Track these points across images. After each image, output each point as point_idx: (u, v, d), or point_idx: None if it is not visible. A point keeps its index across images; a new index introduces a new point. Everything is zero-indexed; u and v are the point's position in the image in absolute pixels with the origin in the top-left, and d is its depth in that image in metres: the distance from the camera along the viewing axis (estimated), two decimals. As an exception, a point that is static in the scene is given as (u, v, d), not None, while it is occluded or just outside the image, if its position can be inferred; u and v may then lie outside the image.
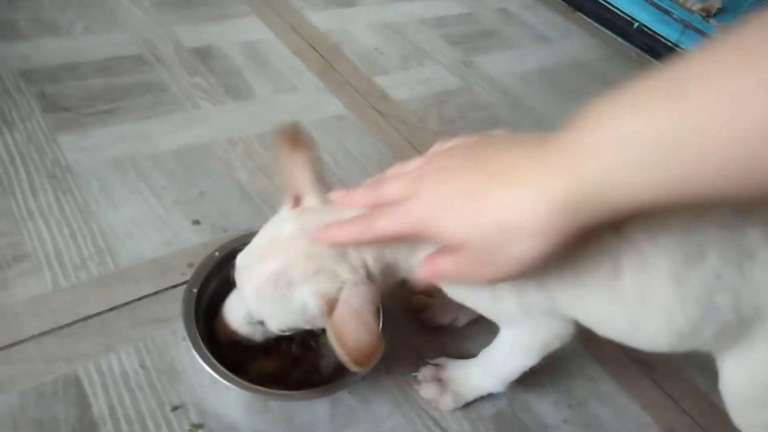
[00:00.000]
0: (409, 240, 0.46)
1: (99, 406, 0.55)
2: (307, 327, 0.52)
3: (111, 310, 0.63)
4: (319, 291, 0.47)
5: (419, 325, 0.71)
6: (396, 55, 1.19)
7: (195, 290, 0.59)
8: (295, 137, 0.54)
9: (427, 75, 1.15)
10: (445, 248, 0.43)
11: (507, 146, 0.41)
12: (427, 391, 0.64)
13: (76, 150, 0.80)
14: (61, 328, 0.60)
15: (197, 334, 0.56)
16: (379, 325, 0.51)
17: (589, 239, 0.43)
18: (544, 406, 0.66)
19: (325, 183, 0.53)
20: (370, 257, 0.49)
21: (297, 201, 0.53)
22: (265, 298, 0.50)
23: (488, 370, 0.62)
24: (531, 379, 0.68)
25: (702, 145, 0.31)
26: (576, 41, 1.44)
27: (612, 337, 0.51)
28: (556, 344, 0.54)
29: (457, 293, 0.54)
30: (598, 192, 0.35)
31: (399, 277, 0.52)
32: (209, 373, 0.54)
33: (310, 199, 0.52)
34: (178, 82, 0.96)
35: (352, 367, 0.45)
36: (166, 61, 1.00)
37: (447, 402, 0.63)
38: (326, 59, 1.11)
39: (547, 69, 1.30)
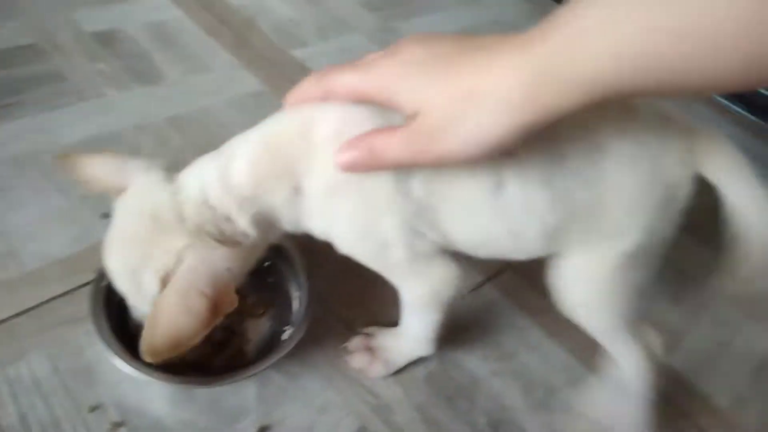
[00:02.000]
0: (371, 101, 0.42)
1: (8, 415, 0.53)
2: None
3: (19, 315, 0.60)
4: (156, 269, 0.45)
5: (347, 296, 0.70)
6: (313, 25, 1.16)
7: (103, 284, 0.57)
8: (75, 158, 0.52)
9: (347, 44, 1.13)
10: (384, 129, 0.41)
11: (480, 39, 0.39)
12: (358, 360, 0.64)
13: (-30, 150, 0.74)
14: (-37, 339, 0.57)
15: (107, 330, 0.54)
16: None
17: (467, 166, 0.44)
18: (474, 361, 0.68)
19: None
20: (233, 208, 0.46)
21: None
22: (129, 294, 0.49)
23: (407, 334, 0.62)
24: (461, 337, 0.70)
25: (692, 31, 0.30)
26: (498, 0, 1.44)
27: (493, 255, 0.51)
28: (447, 291, 0.54)
29: (345, 243, 0.50)
30: (570, 67, 0.34)
31: (280, 228, 0.50)
32: (125, 369, 0.52)
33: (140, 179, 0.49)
34: (79, 70, 0.91)
35: (144, 356, 0.42)
36: (65, 48, 0.94)
37: (378, 369, 0.63)
38: (239, 35, 1.07)
39: (471, 29, 1.29)
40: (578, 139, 0.45)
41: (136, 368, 0.52)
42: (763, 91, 1.20)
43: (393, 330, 0.65)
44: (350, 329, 0.67)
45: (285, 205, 0.47)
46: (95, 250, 0.66)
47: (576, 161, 0.45)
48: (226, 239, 0.47)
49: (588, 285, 0.53)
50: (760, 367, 0.76)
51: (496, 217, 0.47)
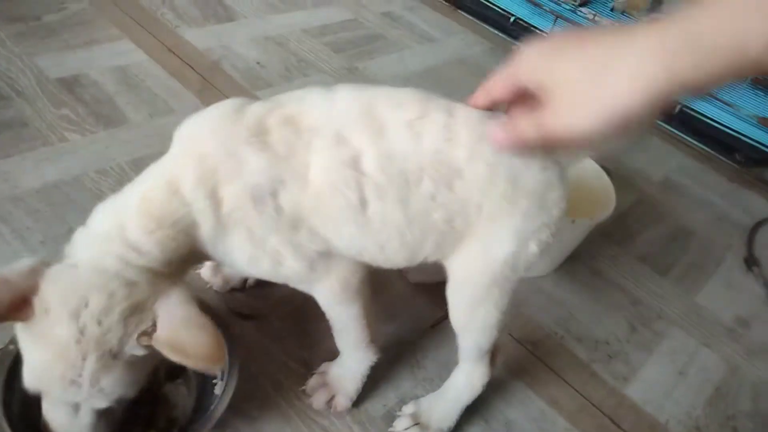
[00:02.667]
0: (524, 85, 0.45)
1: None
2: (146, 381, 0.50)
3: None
4: (137, 335, 0.45)
5: (304, 336, 0.71)
6: (279, 67, 1.18)
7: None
8: None
9: (312, 84, 1.15)
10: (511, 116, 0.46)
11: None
12: (319, 400, 0.64)
13: (-74, 198, 0.74)
14: None
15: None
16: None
17: (334, 179, 0.48)
18: (432, 398, 0.68)
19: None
20: (158, 265, 0.48)
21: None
22: (114, 380, 0.46)
23: (345, 345, 0.63)
24: (419, 374, 0.71)
25: None
26: (459, 38, 1.49)
27: (371, 262, 0.54)
28: (353, 280, 0.56)
29: (246, 268, 0.53)
30: (700, 39, 0.35)
31: (199, 254, 0.52)
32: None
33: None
34: (41, 115, 0.91)
35: (210, 368, 0.46)
36: (28, 94, 0.95)
37: (341, 402, 0.64)
38: (205, 78, 1.09)
39: (432, 68, 1.33)
40: (437, 165, 0.48)
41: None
42: (707, 120, 1.25)
43: (337, 359, 0.66)
44: (309, 369, 0.67)
45: (194, 251, 0.50)
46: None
47: (431, 187, 0.49)
48: (168, 281, 0.48)
49: (468, 295, 0.56)
50: (715, 395, 0.78)
51: (362, 230, 0.50)
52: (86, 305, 0.44)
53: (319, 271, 0.53)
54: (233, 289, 0.74)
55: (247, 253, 0.50)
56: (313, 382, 0.65)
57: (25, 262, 0.45)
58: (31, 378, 0.46)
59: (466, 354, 0.61)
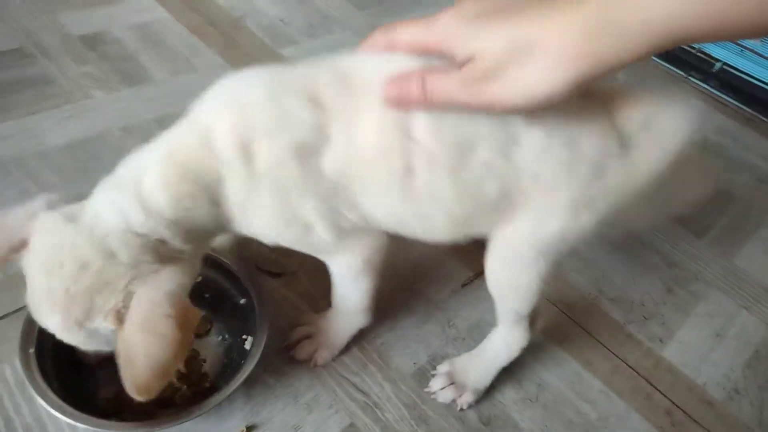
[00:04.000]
0: (432, 52, 0.42)
1: (-8, 419, 0.53)
2: None
3: (2, 317, 0.59)
4: (105, 313, 0.43)
5: (330, 293, 0.70)
6: (303, 23, 1.15)
7: (31, 351, 0.52)
8: None
9: (336, 42, 1.13)
10: (435, 68, 0.41)
11: None
12: (302, 350, 0.63)
13: (-46, 155, 0.74)
14: (-54, 344, 0.57)
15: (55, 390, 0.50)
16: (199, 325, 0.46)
17: (383, 144, 0.44)
18: (464, 357, 0.67)
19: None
20: (163, 232, 0.45)
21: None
22: (81, 344, 0.46)
23: (343, 310, 0.62)
24: (449, 333, 0.69)
25: None
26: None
27: (410, 235, 0.51)
28: (378, 258, 0.54)
29: (271, 235, 0.50)
30: (621, 17, 0.34)
31: (213, 236, 0.50)
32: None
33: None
34: (65, 73, 0.90)
35: (136, 396, 0.40)
36: (51, 52, 0.93)
37: (323, 355, 0.63)
38: (228, 35, 1.07)
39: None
40: (492, 131, 0.44)
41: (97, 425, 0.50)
42: (755, 81, 1.19)
43: (327, 313, 0.64)
44: (339, 326, 0.66)
45: (208, 218, 0.47)
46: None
47: (487, 155, 0.45)
48: (164, 258, 0.45)
49: (513, 266, 0.53)
50: (754, 358, 0.75)
51: (406, 201, 0.47)
52: (60, 267, 0.42)
53: (347, 245, 0.51)
54: (261, 248, 0.73)
55: (277, 218, 0.47)
56: (299, 332, 0.64)
57: (28, 207, 0.46)
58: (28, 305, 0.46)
59: (503, 317, 0.60)
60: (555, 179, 0.46)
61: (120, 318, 0.42)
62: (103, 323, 0.43)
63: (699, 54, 1.24)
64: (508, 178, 0.46)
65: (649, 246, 0.87)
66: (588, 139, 0.46)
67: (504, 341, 0.62)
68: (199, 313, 0.45)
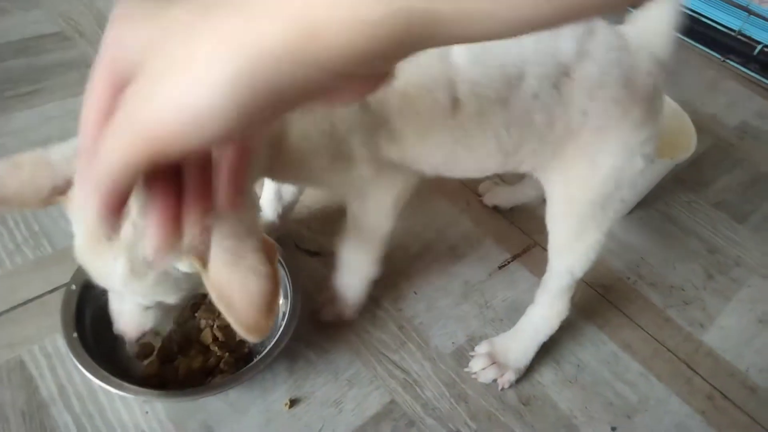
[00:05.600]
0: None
1: (47, 386, 0.54)
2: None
3: (51, 291, 0.61)
4: (187, 253, 0.36)
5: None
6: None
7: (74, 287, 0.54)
8: None
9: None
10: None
11: None
12: (327, 313, 0.63)
13: (0, 134, 0.76)
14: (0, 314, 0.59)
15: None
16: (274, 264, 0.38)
17: (422, 76, 0.41)
18: (502, 337, 0.67)
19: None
20: None
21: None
22: (148, 293, 0.41)
23: (359, 256, 0.60)
24: (488, 313, 0.69)
25: None
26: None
27: (452, 174, 0.50)
28: (404, 198, 0.54)
29: (312, 171, 0.48)
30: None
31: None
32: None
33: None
34: (104, 55, 0.91)
35: (248, 337, 0.35)
36: (89, 35, 0.95)
37: (347, 313, 0.63)
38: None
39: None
40: (540, 58, 0.43)
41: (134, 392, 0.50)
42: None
43: (342, 270, 0.63)
44: (375, 303, 0.67)
45: (263, 158, 0.44)
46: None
47: (534, 84, 0.43)
48: None
49: (572, 219, 0.52)
50: (798, 343, 0.74)
51: (452, 135, 0.46)
52: None
53: (381, 182, 0.50)
54: (299, 228, 0.73)
55: (325, 153, 0.45)
56: (322, 296, 0.64)
57: (73, 143, 0.39)
58: (78, 257, 0.40)
59: (552, 285, 0.59)
60: (607, 118, 0.45)
61: (204, 261, 0.36)
62: (187, 266, 0.38)
63: (739, 37, 1.21)
64: (554, 111, 0.45)
65: (689, 231, 0.86)
66: (640, 76, 0.45)
67: (544, 315, 0.62)
68: (276, 246, 0.40)
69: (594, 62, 0.43)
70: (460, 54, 0.42)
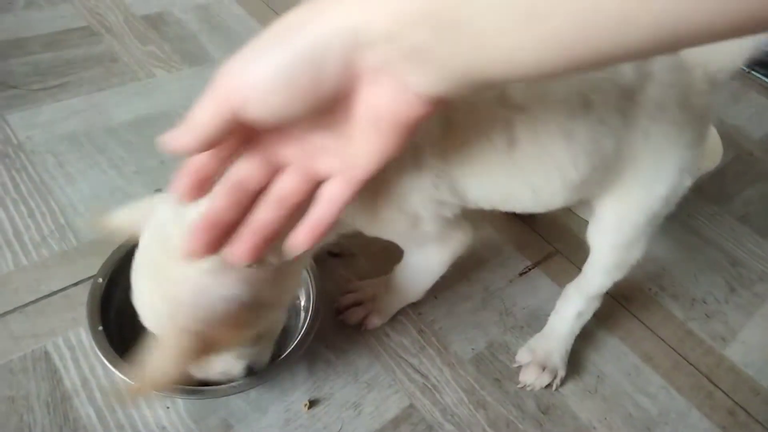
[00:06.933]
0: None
1: (71, 378, 0.54)
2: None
3: (75, 284, 0.61)
4: None
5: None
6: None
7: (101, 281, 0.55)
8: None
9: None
10: None
11: None
12: (353, 315, 0.64)
13: (28, 127, 0.77)
14: (25, 305, 0.59)
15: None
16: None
17: (479, 121, 0.41)
18: (522, 345, 0.66)
19: None
20: None
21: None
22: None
23: (407, 286, 0.62)
24: (508, 321, 0.69)
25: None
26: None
27: (516, 209, 0.50)
28: (462, 251, 0.54)
29: (376, 226, 0.48)
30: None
31: None
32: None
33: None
34: (130, 51, 0.92)
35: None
36: (116, 31, 0.96)
37: (375, 321, 0.64)
38: (285, 18, 1.07)
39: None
40: (603, 85, 0.42)
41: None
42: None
43: (380, 281, 0.65)
44: (400, 310, 0.67)
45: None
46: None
47: (602, 111, 0.42)
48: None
49: (622, 237, 0.53)
50: (822, 361, 0.73)
51: (513, 174, 0.45)
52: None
53: (442, 237, 0.51)
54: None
55: (387, 216, 0.44)
56: (349, 298, 0.65)
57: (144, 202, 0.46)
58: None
59: (592, 290, 0.61)
60: (665, 139, 0.45)
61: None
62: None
63: (764, 48, 1.20)
64: (620, 134, 0.44)
65: (712, 243, 0.85)
66: (697, 97, 0.45)
67: (574, 312, 0.63)
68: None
69: (655, 84, 0.43)
70: (515, 91, 0.41)
